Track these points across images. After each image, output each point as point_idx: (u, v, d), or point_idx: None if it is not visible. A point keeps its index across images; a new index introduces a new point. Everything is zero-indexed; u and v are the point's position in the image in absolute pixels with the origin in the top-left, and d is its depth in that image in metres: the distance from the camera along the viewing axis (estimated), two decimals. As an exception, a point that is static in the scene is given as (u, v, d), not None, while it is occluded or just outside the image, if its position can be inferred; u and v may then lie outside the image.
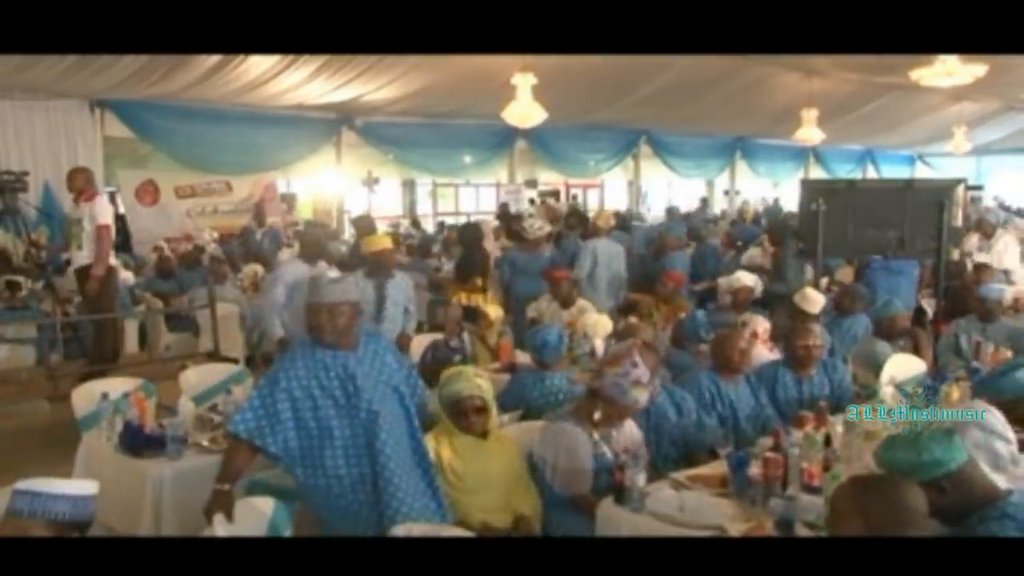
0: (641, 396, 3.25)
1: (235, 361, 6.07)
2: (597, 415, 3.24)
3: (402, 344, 5.17)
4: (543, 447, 3.31)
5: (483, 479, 3.24)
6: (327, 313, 2.94)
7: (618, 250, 7.15)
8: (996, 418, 2.73)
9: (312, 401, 2.94)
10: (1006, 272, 7.77)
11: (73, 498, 2.14)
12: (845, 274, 8.23)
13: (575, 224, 8.84)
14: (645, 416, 3.61)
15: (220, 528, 2.61)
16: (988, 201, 15.82)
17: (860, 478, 2.22)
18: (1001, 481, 2.34)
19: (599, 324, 5.25)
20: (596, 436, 3.25)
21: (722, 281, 6.67)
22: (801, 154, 17.97)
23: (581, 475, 3.21)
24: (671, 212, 12.69)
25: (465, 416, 3.28)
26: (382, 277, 5.18)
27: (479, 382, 3.34)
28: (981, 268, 7.13)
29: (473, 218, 13.14)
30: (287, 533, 2.56)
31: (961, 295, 6.22)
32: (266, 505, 2.60)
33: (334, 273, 4.98)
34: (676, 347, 4.87)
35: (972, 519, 2.18)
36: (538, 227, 6.91)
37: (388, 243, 5.43)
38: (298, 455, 2.94)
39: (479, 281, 6.69)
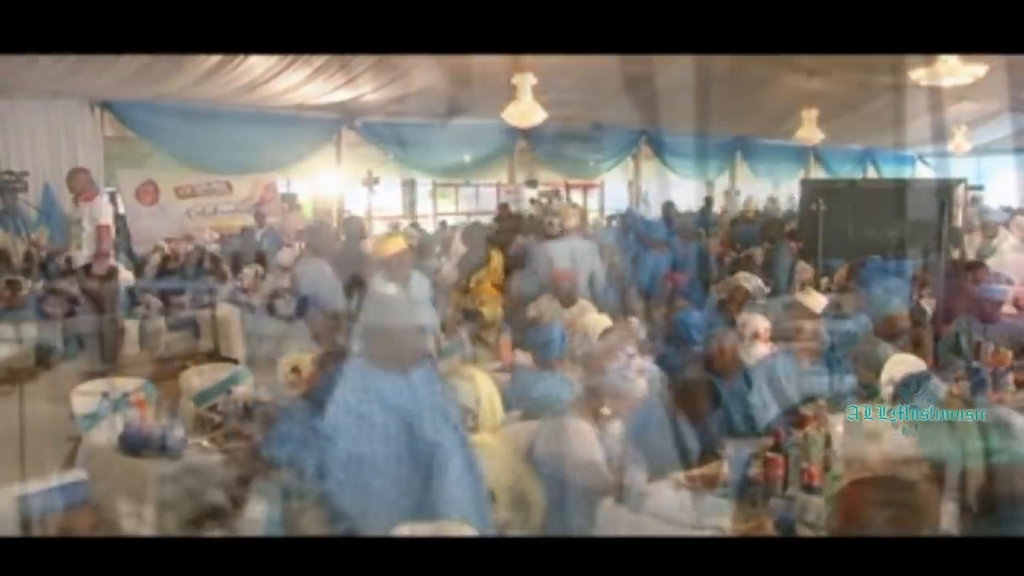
0: (644, 385, 3.27)
1: (235, 361, 6.07)
2: (606, 410, 3.24)
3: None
4: (548, 444, 3.29)
5: None
6: (415, 335, 2.79)
7: (587, 248, 6.79)
8: None
9: (358, 424, 2.75)
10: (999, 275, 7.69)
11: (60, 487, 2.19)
12: (842, 274, 8.18)
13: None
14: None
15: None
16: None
17: (879, 483, 2.13)
18: None
19: (599, 324, 5.24)
20: (597, 431, 3.25)
21: (723, 283, 6.65)
22: (801, 154, 17.94)
23: (600, 466, 3.17)
24: (666, 208, 12.47)
25: None
26: (400, 281, 4.82)
27: (474, 387, 3.36)
28: (978, 268, 7.11)
29: (473, 218, 13.08)
30: (280, 533, 2.55)
31: (958, 295, 6.21)
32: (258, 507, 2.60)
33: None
34: (669, 347, 4.87)
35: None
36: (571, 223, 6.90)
37: (403, 243, 5.12)
38: (337, 475, 2.75)
39: (463, 282, 6.62)
